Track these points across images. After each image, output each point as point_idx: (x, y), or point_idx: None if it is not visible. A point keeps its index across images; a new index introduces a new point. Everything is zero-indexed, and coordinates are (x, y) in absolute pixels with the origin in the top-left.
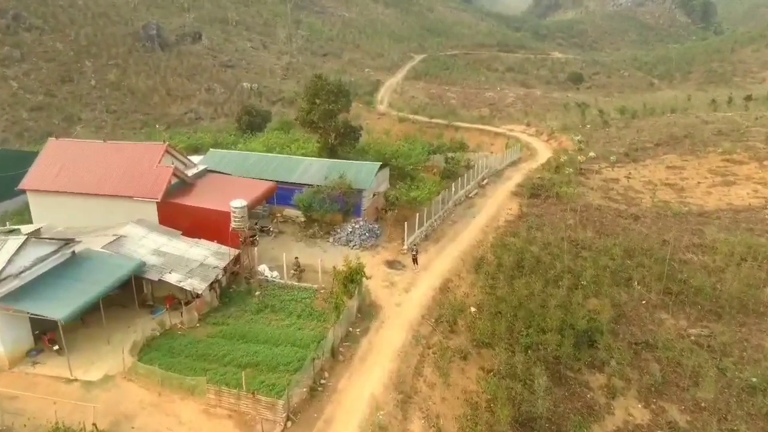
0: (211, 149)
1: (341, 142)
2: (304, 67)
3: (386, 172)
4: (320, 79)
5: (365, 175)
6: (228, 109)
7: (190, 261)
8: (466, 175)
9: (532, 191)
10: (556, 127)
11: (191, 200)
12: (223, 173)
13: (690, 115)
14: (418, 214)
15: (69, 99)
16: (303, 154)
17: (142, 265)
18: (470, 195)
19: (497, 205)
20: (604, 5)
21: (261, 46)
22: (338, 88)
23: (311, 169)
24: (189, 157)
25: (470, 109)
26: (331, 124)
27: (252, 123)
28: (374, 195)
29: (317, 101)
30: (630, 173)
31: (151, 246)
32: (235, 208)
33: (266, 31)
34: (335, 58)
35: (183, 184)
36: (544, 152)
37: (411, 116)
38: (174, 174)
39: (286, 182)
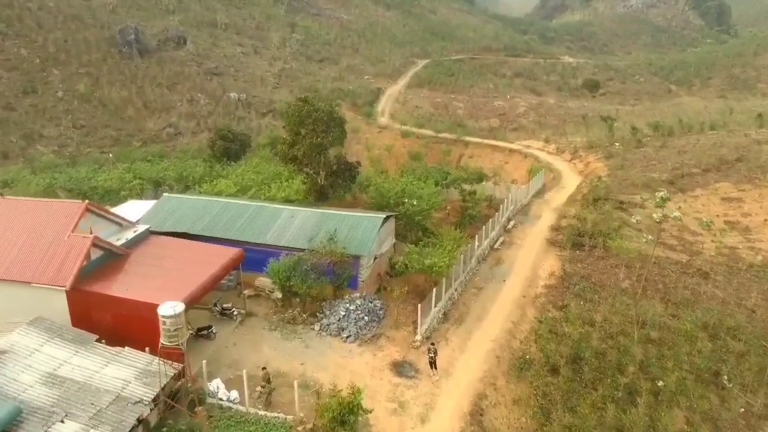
0: (164, 194)
1: (333, 182)
2: (299, 75)
3: (391, 224)
4: (306, 104)
5: (364, 235)
6: (212, 122)
7: (101, 393)
8: (491, 221)
9: (574, 239)
10: (580, 145)
11: (116, 286)
12: (173, 233)
13: (736, 133)
14: (435, 289)
15: (31, 113)
16: (285, 198)
17: (16, 413)
18: (495, 246)
19: (531, 260)
20: (613, 7)
21: (252, 52)
22: (329, 115)
23: (293, 225)
24: (143, 200)
25: (479, 119)
26: (320, 160)
27: (228, 150)
28: (375, 258)
29: (302, 132)
30: (680, 207)
31: (44, 367)
32: (165, 317)
33: (258, 35)
34: (332, 63)
35: (110, 259)
36: (569, 175)
37: (415, 130)
38: (95, 245)
39: (260, 244)
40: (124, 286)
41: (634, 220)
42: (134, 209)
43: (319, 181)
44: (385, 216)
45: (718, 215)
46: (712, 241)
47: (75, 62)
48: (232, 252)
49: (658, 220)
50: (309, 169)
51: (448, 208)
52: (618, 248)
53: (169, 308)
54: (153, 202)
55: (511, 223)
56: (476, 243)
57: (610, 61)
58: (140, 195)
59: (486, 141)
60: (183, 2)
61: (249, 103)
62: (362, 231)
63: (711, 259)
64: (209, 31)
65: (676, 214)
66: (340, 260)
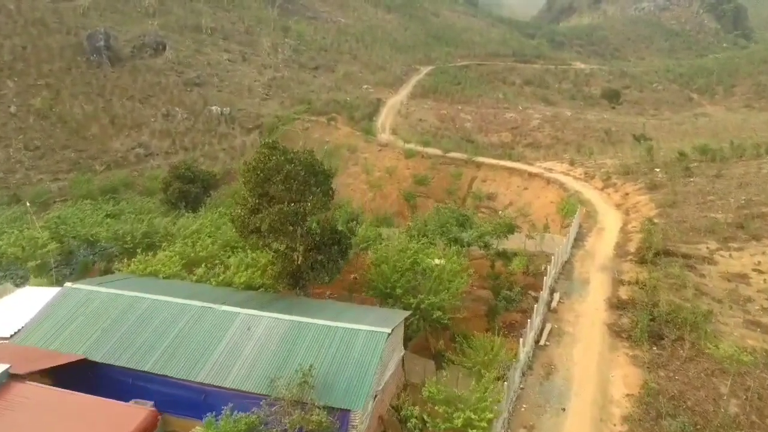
0: (66, 284)
1: (315, 262)
2: (291, 84)
3: (399, 331)
4: (276, 152)
5: (358, 368)
6: (189, 141)
7: None
8: (535, 307)
9: (650, 329)
10: (613, 169)
11: None
12: (51, 370)
13: None
14: None
15: None
16: (247, 284)
17: None
18: (542, 341)
19: (594, 366)
20: (624, 10)
21: (240, 59)
22: (309, 168)
23: (247, 346)
24: (46, 288)
25: (489, 133)
26: (296, 232)
27: (186, 194)
28: (375, 396)
29: (270, 192)
30: (759, 262)
31: None
32: None
33: (247, 40)
34: (328, 71)
35: None
36: (606, 210)
37: (420, 148)
38: None
39: (193, 382)
40: None
41: None
42: (25, 307)
43: (296, 259)
44: (390, 330)
45: None
46: None
47: (34, 72)
48: (137, 419)
49: None
50: (280, 245)
51: (472, 272)
52: (723, 357)
53: None
54: (51, 294)
55: (556, 297)
56: (521, 347)
57: (625, 67)
58: (52, 271)
59: (501, 163)
60: (165, 5)
61: (233, 118)
62: (355, 361)
63: None
64: (193, 37)
65: None
66: (319, 427)
